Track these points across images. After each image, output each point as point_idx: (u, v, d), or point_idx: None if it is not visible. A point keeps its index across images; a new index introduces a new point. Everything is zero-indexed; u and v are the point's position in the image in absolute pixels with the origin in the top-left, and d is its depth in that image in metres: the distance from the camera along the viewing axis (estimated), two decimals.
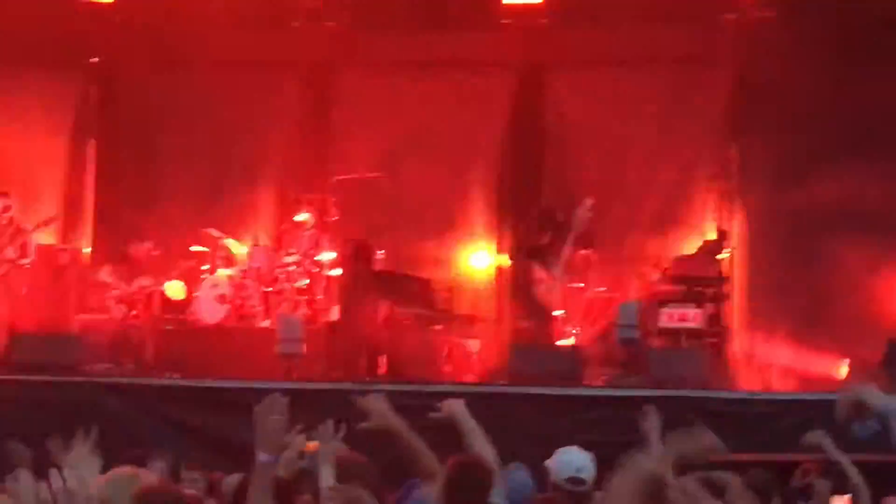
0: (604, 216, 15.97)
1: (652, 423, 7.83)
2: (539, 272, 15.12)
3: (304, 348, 14.71)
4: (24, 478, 5.24)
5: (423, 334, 15.58)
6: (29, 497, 3.24)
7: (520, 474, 8.16)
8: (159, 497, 5.20)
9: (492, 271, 17.29)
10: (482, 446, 7.52)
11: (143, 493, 5.11)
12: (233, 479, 7.10)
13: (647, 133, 16.92)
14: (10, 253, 15.58)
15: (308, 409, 6.99)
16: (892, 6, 15.29)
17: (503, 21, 17.13)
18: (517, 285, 15.73)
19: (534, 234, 15.51)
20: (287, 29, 17.39)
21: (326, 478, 6.21)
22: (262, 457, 6.01)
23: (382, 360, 15.26)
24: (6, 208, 15.67)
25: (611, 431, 9.81)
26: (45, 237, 16.53)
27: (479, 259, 17.30)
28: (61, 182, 17.64)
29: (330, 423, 6.49)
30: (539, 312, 15.29)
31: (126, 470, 5.24)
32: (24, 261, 15.69)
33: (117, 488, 4.85)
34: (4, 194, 15.78)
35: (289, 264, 16.16)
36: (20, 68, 17.13)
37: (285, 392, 6.44)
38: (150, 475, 5.65)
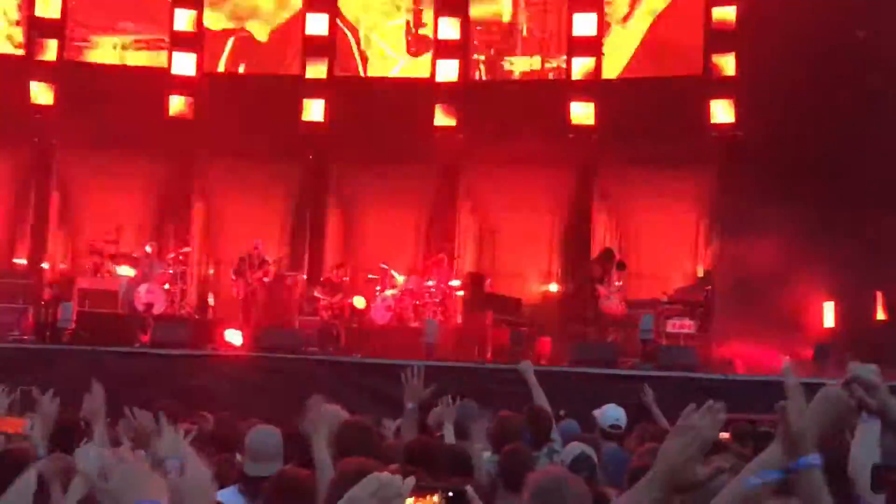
0: (631, 261, 15.88)
1: (649, 395, 7.70)
2: (602, 290, 15.07)
3: (439, 340, 14.64)
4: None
5: (515, 333, 15.45)
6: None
7: (570, 423, 8.03)
8: (356, 427, 5.08)
9: (558, 294, 17.12)
10: (542, 400, 7.38)
11: (345, 423, 5.02)
12: (393, 423, 7.00)
13: (659, 212, 16.80)
14: (258, 276, 15.71)
15: (441, 379, 6.86)
16: None
17: (569, 135, 17.06)
18: (588, 299, 15.50)
19: (596, 268, 15.43)
20: (431, 139, 17.37)
21: (448, 431, 6.13)
22: (409, 405, 5.92)
23: (488, 349, 15.15)
24: (257, 246, 15.83)
25: (634, 397, 9.59)
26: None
27: (550, 287, 17.15)
28: (288, 235, 17.75)
29: (448, 397, 6.45)
30: (601, 315, 15.19)
31: (333, 406, 5.17)
32: (266, 279, 15.77)
33: (327, 417, 4.79)
34: (258, 239, 15.99)
35: (430, 287, 16.12)
36: (261, 160, 17.33)
37: (427, 368, 6.38)
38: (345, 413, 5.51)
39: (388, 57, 18.62)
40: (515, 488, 4.55)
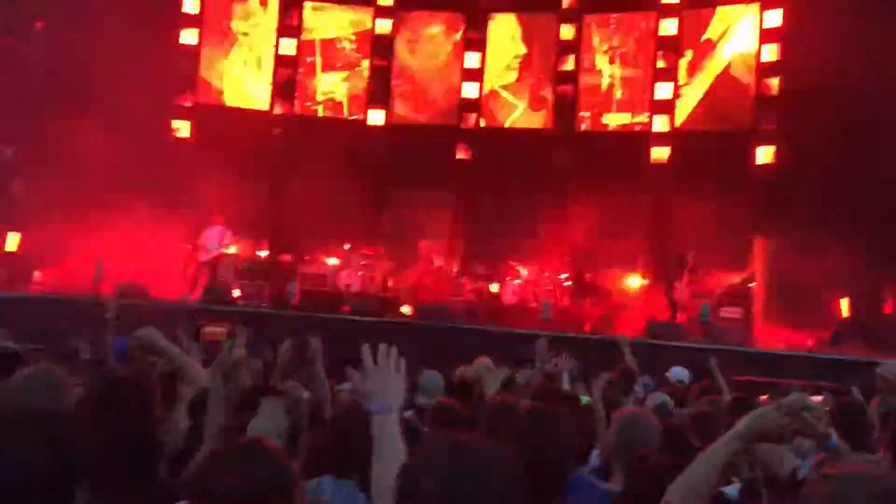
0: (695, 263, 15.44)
1: (713, 363, 7.50)
2: (676, 284, 14.78)
3: (552, 317, 14.56)
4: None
5: (607, 312, 15.30)
6: None
7: (647, 379, 7.93)
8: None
9: (639, 286, 16.75)
10: (630, 360, 7.28)
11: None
12: (526, 373, 7.03)
13: (716, 227, 16.30)
14: (425, 267, 15.95)
15: (556, 345, 6.83)
16: None
17: (650, 171, 16.76)
18: (666, 291, 15.17)
19: (673, 269, 15.11)
20: (549, 173, 17.18)
21: (565, 378, 6.11)
22: (537, 364, 5.89)
23: (586, 325, 14.99)
24: (424, 248, 16.00)
25: (701, 361, 9.35)
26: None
27: (633, 280, 16.80)
28: (446, 239, 17.80)
29: (564, 354, 6.41)
30: (674, 302, 14.86)
31: (484, 358, 5.20)
32: (432, 266, 15.97)
33: (484, 368, 4.78)
34: (425, 241, 16.17)
35: (546, 278, 16.03)
36: (428, 187, 17.42)
37: (548, 337, 6.36)
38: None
39: (509, 105, 18.46)
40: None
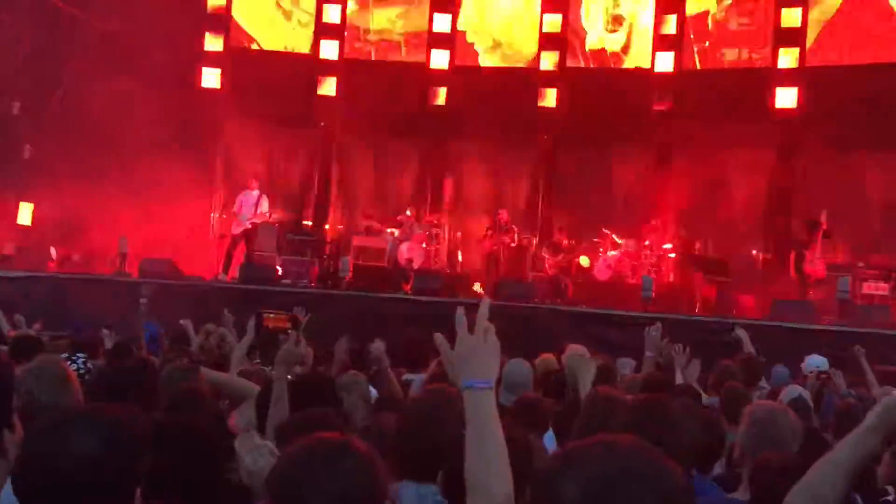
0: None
1: (860, 352, 7.38)
2: (808, 254, 14.45)
3: (654, 295, 14.38)
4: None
5: (722, 290, 15.09)
6: None
7: (781, 368, 7.86)
8: (604, 368, 5.12)
9: (760, 257, 16.40)
10: (750, 349, 7.24)
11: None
12: (624, 361, 6.98)
13: (855, 188, 15.82)
14: (505, 239, 16.01)
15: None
16: None
17: (772, 116, 16.35)
18: (795, 262, 14.74)
19: (804, 234, 14.75)
20: (648, 122, 16.95)
21: (679, 373, 6.12)
22: (648, 353, 5.87)
23: (697, 304, 14.80)
24: (502, 215, 16.06)
25: (839, 347, 9.11)
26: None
27: (753, 251, 16.49)
28: (523, 205, 17.76)
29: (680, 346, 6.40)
30: (805, 276, 14.51)
31: (578, 346, 5.17)
32: (513, 244, 16.08)
33: (576, 358, 4.75)
34: (503, 210, 16.20)
35: (646, 249, 15.87)
36: (502, 144, 17.34)
37: (661, 323, 6.32)
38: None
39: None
40: (734, 420, 4.53)
